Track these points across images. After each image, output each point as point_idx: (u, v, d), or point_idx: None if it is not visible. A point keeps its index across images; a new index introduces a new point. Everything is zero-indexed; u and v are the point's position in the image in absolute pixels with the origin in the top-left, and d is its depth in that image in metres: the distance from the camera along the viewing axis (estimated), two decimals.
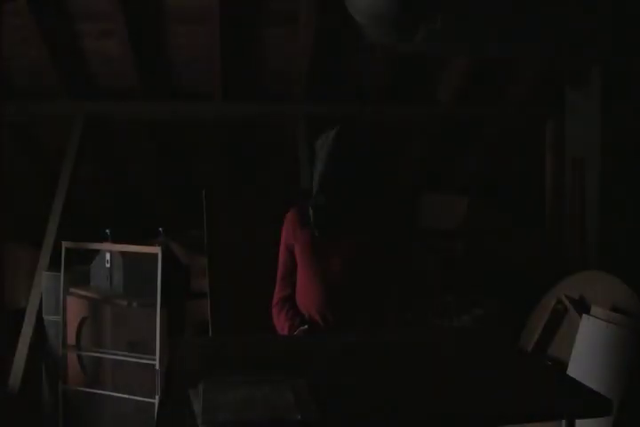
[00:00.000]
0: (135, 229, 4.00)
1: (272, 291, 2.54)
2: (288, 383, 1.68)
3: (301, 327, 2.38)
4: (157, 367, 3.27)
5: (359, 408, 1.62)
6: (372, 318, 2.48)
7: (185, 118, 4.41)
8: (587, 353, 2.98)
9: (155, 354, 3.29)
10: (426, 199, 4.88)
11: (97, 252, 3.69)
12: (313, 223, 2.38)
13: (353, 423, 1.60)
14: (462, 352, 2.10)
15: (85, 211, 4.83)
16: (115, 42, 3.81)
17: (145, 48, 3.87)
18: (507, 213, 4.69)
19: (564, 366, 3.04)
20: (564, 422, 1.71)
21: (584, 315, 3.07)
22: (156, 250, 3.39)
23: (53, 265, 3.77)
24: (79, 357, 3.55)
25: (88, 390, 3.49)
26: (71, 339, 3.56)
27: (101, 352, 3.48)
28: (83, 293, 3.63)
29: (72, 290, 3.63)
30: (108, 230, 3.68)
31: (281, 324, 2.44)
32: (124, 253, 3.56)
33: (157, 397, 3.20)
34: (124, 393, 3.37)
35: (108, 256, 3.62)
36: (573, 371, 2.92)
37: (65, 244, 3.58)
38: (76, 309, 3.57)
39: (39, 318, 3.74)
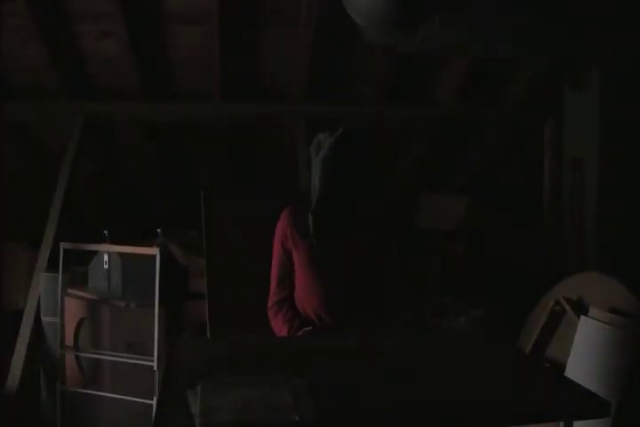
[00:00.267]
0: (134, 229, 4.00)
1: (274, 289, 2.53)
2: (287, 384, 1.68)
3: (305, 329, 2.37)
4: (155, 368, 3.27)
5: (358, 409, 1.61)
6: (371, 318, 2.48)
7: (184, 119, 4.41)
8: (585, 355, 2.98)
9: (153, 355, 3.29)
10: (426, 199, 4.88)
11: (95, 253, 3.69)
12: (313, 231, 2.37)
13: (352, 424, 1.60)
14: (461, 353, 2.10)
15: (85, 211, 4.83)
16: (114, 42, 3.81)
17: (144, 48, 3.87)
18: (507, 213, 4.68)
19: (562, 367, 3.03)
20: (562, 423, 1.71)
21: (582, 316, 3.07)
22: (154, 251, 3.39)
23: (51, 266, 3.76)
24: (77, 358, 3.55)
25: (86, 391, 3.49)
26: (69, 340, 3.56)
27: (99, 353, 3.48)
28: (81, 294, 3.63)
29: (70, 291, 3.63)
30: (105, 231, 3.68)
31: (279, 326, 2.43)
32: (122, 254, 3.56)
33: (155, 398, 3.20)
34: (121, 394, 3.36)
35: (106, 257, 3.62)
36: (571, 372, 2.92)
37: (63, 245, 3.58)
38: (74, 310, 3.57)
39: (37, 319, 3.74)
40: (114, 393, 3.40)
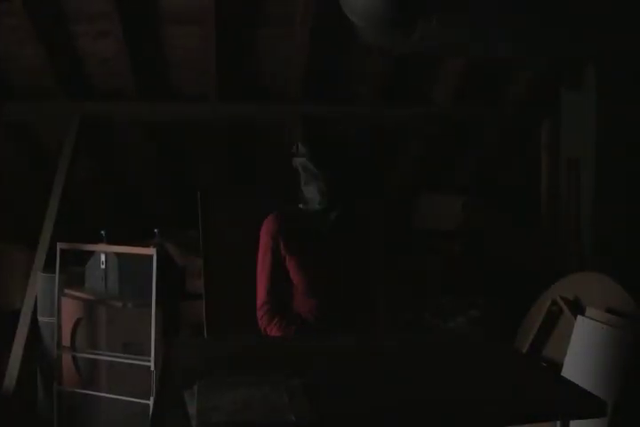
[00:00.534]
0: (134, 229, 4.00)
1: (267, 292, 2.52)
2: (283, 385, 1.68)
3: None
4: (152, 368, 3.26)
5: (358, 409, 1.61)
6: (367, 319, 2.49)
7: (183, 119, 4.41)
8: (582, 354, 2.98)
9: (150, 355, 3.28)
10: (425, 199, 4.88)
11: (92, 253, 3.69)
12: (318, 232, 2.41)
13: (351, 424, 1.60)
14: (460, 353, 2.10)
15: (84, 211, 4.83)
16: (111, 42, 3.80)
17: (141, 49, 3.87)
18: (506, 214, 4.69)
19: (559, 367, 3.04)
20: (558, 423, 1.71)
21: (579, 316, 3.07)
22: (152, 251, 3.38)
23: (49, 266, 3.76)
24: (74, 358, 3.55)
25: (83, 391, 3.48)
26: (66, 340, 3.55)
27: (96, 353, 3.47)
28: (78, 294, 3.63)
29: (67, 291, 3.62)
30: (103, 231, 3.68)
31: (274, 334, 2.41)
32: (119, 255, 3.55)
33: (152, 398, 3.20)
34: (119, 394, 3.36)
35: (103, 257, 3.61)
36: (568, 372, 2.92)
37: (60, 245, 3.57)
38: (70, 310, 3.56)
39: (34, 319, 3.73)
40: (111, 393, 3.40)
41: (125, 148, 4.62)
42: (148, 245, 3.58)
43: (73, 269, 3.76)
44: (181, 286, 3.76)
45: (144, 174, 4.82)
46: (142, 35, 3.79)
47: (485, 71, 4.30)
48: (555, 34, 3.04)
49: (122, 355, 3.39)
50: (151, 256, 3.36)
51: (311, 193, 2.41)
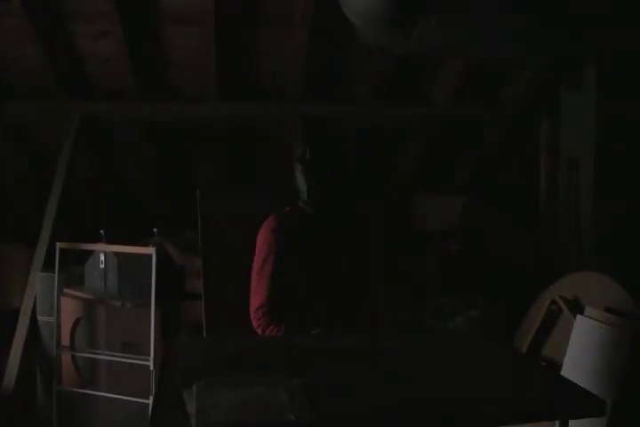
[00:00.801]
0: (133, 229, 4.00)
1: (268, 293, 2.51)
2: (283, 384, 1.68)
3: (313, 332, 2.35)
4: (152, 368, 3.26)
5: (358, 409, 1.61)
6: (366, 319, 2.49)
7: (183, 119, 4.41)
8: (581, 354, 2.99)
9: (149, 355, 3.28)
10: (425, 199, 4.88)
11: (91, 252, 3.69)
12: (313, 235, 2.41)
13: (351, 424, 1.60)
14: (460, 353, 2.10)
15: (84, 211, 4.83)
16: (111, 42, 3.80)
17: (141, 49, 3.87)
18: (506, 213, 4.69)
19: (558, 366, 3.04)
20: (557, 422, 1.71)
21: (578, 316, 3.07)
22: (151, 251, 3.38)
23: (48, 266, 3.76)
24: (73, 357, 3.55)
25: (82, 390, 3.48)
26: (65, 340, 3.55)
27: (95, 353, 3.47)
28: (77, 293, 3.63)
29: (66, 291, 3.62)
30: (102, 231, 3.67)
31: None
32: (118, 254, 3.55)
33: (152, 397, 3.20)
34: (118, 394, 3.36)
35: (102, 257, 3.61)
36: (567, 372, 2.92)
37: (59, 244, 3.57)
38: (70, 309, 3.56)
39: (33, 319, 3.73)
40: (110, 393, 3.40)
41: (125, 148, 4.62)
42: (147, 245, 3.58)
43: (72, 268, 3.75)
44: (181, 286, 3.76)
45: (144, 174, 4.81)
46: (142, 35, 3.79)
47: (485, 71, 4.30)
48: (555, 34, 3.03)
49: (121, 355, 3.39)
50: (150, 256, 3.36)
51: (302, 188, 2.41)
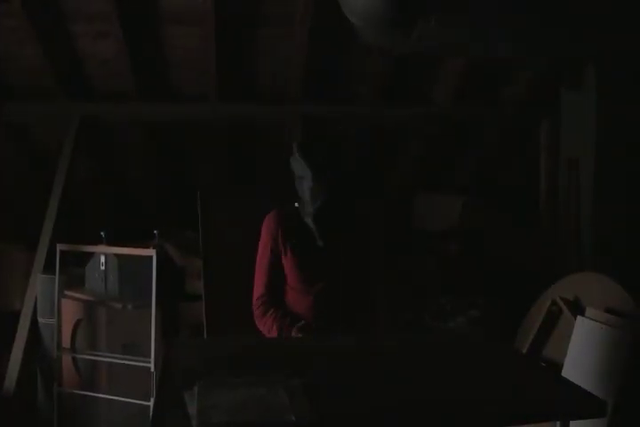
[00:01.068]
0: (134, 230, 4.00)
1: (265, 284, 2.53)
2: (283, 384, 1.68)
3: (298, 324, 2.37)
4: (152, 369, 3.26)
5: (358, 409, 1.61)
6: (364, 318, 2.50)
7: (182, 119, 4.41)
8: (581, 354, 2.98)
9: (150, 356, 3.28)
10: (425, 199, 4.88)
11: (92, 254, 3.68)
12: (317, 235, 2.41)
13: (351, 424, 1.60)
14: (460, 353, 2.10)
15: (84, 212, 4.83)
16: (111, 43, 3.80)
17: (141, 49, 3.87)
18: (506, 213, 4.69)
19: (559, 367, 3.04)
20: (558, 423, 1.71)
21: (579, 316, 3.07)
22: (151, 252, 3.38)
23: (48, 267, 3.76)
24: (74, 359, 3.55)
25: (83, 392, 3.48)
26: (66, 341, 3.55)
27: (96, 355, 3.47)
28: (77, 295, 3.62)
29: (67, 292, 3.62)
30: (102, 232, 3.67)
31: (268, 325, 2.43)
32: (118, 256, 3.55)
33: (152, 399, 3.19)
34: (118, 395, 3.36)
35: (102, 258, 3.61)
36: (568, 372, 2.92)
37: (60, 246, 3.57)
38: (70, 311, 3.56)
39: (34, 321, 3.73)
40: (111, 394, 3.40)
41: (125, 148, 4.62)
42: (147, 246, 3.58)
43: (73, 270, 3.75)
44: (181, 287, 3.76)
45: (144, 174, 4.81)
46: (142, 35, 3.79)
47: (485, 71, 4.30)
48: (555, 34, 3.03)
49: (122, 356, 3.39)
50: (151, 257, 3.36)
51: (303, 192, 2.41)
